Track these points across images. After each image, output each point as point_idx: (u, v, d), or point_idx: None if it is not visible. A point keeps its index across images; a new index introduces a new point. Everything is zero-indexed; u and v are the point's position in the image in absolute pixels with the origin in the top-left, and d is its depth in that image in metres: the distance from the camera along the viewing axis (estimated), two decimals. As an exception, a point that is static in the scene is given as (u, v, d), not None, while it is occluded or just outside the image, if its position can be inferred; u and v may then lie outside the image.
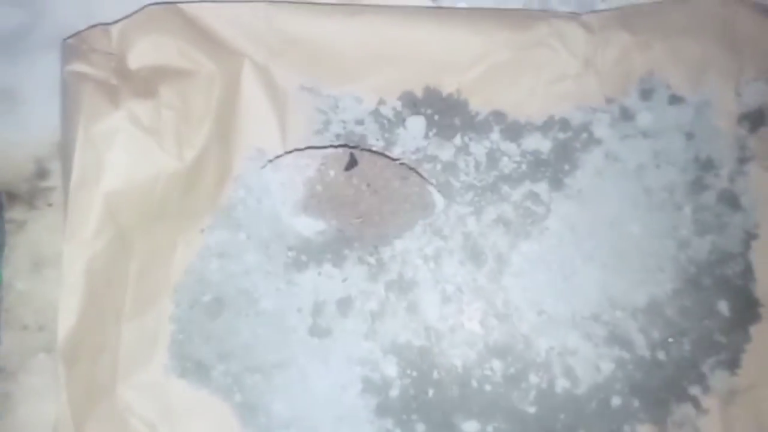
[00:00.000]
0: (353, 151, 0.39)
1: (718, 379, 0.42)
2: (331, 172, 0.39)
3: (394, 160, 0.40)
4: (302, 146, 0.41)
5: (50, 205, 0.41)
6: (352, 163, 0.38)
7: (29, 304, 0.40)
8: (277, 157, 0.40)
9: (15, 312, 0.40)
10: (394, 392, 0.40)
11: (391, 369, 0.40)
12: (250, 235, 0.41)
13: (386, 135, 0.42)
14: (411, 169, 0.40)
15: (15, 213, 0.41)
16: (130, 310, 0.38)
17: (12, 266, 0.40)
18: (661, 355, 0.42)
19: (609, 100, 0.44)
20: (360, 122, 0.42)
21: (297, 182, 0.39)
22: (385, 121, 0.43)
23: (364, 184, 0.39)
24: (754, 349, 0.42)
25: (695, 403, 0.42)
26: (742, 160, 0.43)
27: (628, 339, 0.42)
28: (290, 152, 0.40)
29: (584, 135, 0.43)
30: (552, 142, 0.43)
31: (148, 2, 0.41)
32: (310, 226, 0.40)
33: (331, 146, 0.40)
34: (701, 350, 0.42)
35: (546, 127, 0.43)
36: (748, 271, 0.42)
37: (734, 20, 0.44)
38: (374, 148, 0.41)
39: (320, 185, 0.39)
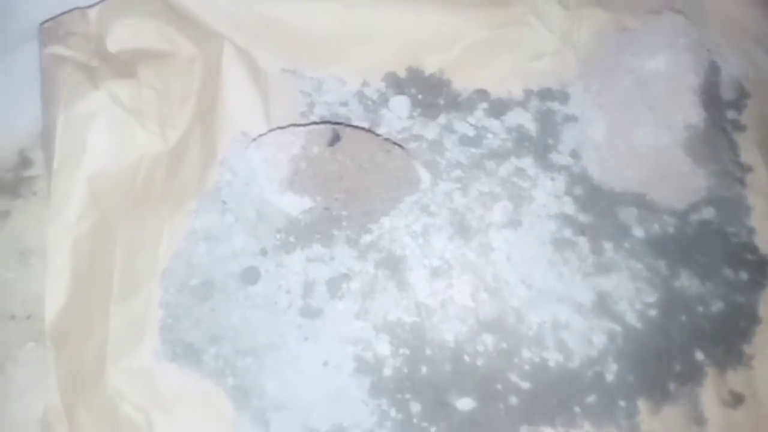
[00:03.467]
0: (336, 126, 0.39)
1: (717, 351, 0.41)
2: (315, 149, 0.39)
3: (377, 135, 0.41)
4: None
5: (35, 194, 0.41)
6: (335, 139, 0.39)
7: (16, 294, 0.39)
8: (261, 135, 0.40)
9: (2, 302, 0.39)
10: (387, 371, 0.40)
11: (383, 347, 0.40)
12: (237, 217, 0.40)
13: (371, 116, 0.43)
14: (394, 143, 0.40)
15: (-1, 203, 0.41)
16: (117, 295, 0.37)
17: (-3, 256, 0.40)
18: (651, 327, 0.42)
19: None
20: (344, 104, 0.43)
21: (281, 159, 0.39)
22: (370, 102, 0.43)
23: (348, 158, 0.39)
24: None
25: (691, 374, 0.42)
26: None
27: (618, 310, 0.42)
28: (273, 130, 0.40)
29: (564, 108, 0.44)
30: (533, 115, 0.43)
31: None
32: (296, 204, 0.40)
33: (314, 123, 0.41)
34: (694, 320, 0.42)
35: (526, 100, 0.43)
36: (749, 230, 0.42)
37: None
38: (356, 125, 0.42)
39: (304, 162, 0.39)
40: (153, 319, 0.39)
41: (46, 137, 0.37)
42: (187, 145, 0.39)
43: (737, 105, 0.46)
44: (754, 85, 0.46)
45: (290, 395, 0.39)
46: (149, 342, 0.39)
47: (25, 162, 0.41)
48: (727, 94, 0.46)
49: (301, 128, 0.40)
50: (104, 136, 0.35)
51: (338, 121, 0.42)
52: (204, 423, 0.38)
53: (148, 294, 0.39)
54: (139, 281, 0.38)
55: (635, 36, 0.44)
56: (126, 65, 0.36)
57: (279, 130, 0.40)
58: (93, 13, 0.37)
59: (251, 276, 0.40)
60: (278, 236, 0.41)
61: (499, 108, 0.44)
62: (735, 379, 0.42)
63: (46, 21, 0.38)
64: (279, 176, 0.39)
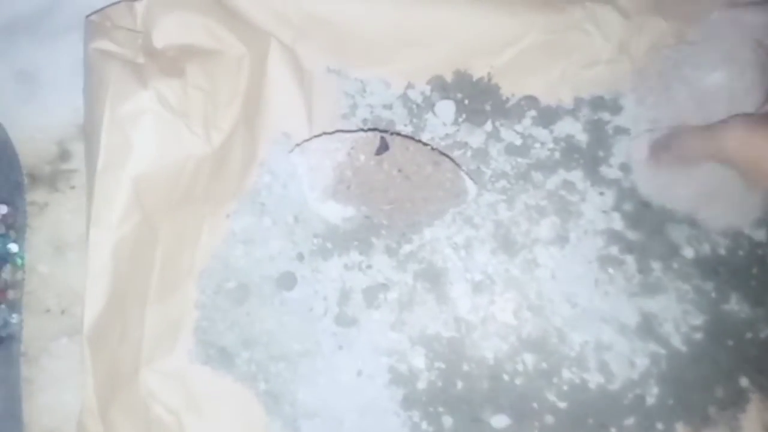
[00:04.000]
0: (384, 135, 0.38)
1: (763, 377, 0.40)
2: (362, 157, 0.37)
3: (426, 145, 0.39)
4: (329, 130, 0.40)
5: (72, 187, 0.41)
6: (383, 148, 0.37)
7: (51, 288, 0.39)
8: (305, 141, 0.39)
9: (37, 295, 0.39)
10: (421, 384, 0.39)
11: (418, 360, 0.39)
12: (275, 220, 0.40)
13: (414, 120, 0.41)
14: (443, 154, 0.39)
15: (37, 195, 0.40)
16: (154, 296, 0.37)
17: (34, 249, 0.40)
18: (697, 350, 0.40)
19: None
20: (388, 107, 0.41)
21: (326, 167, 0.38)
22: (414, 106, 0.41)
23: (396, 169, 0.37)
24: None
25: (733, 400, 0.40)
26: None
27: (663, 333, 0.40)
28: (318, 136, 0.39)
29: (616, 118, 0.42)
30: (583, 125, 0.42)
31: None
32: (338, 213, 0.39)
33: (361, 130, 0.39)
34: (741, 346, 0.40)
35: (576, 109, 0.42)
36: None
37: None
38: (404, 134, 0.40)
39: (350, 170, 0.38)
40: (188, 321, 0.38)
41: (89, 134, 0.36)
42: (230, 147, 0.38)
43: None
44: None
45: (322, 403, 0.39)
46: (183, 344, 0.38)
47: (63, 154, 0.41)
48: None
49: (348, 135, 0.38)
50: (150, 137, 0.34)
51: (381, 125, 0.41)
52: (235, 427, 0.38)
53: (184, 295, 0.38)
54: (177, 282, 0.38)
55: (696, 48, 0.42)
56: (173, 63, 0.35)
57: (325, 136, 0.39)
58: (140, 6, 0.36)
59: (288, 281, 0.39)
60: (315, 241, 0.40)
61: (548, 116, 0.42)
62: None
63: (92, 13, 0.36)
64: (323, 184, 0.38)
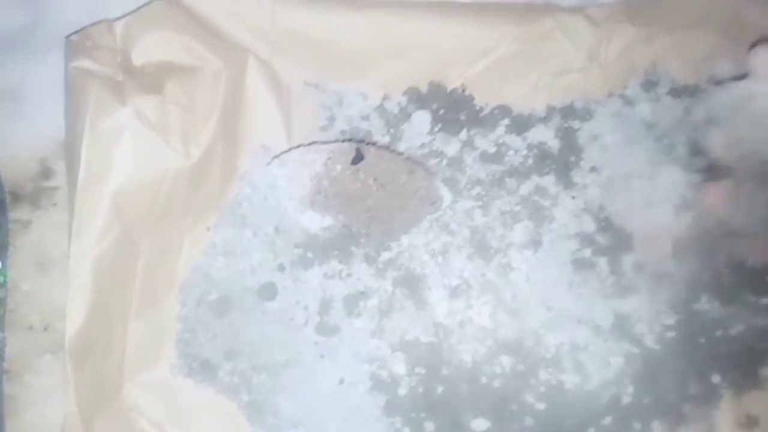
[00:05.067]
0: (359, 145, 0.39)
1: (734, 374, 0.41)
2: (338, 167, 0.38)
3: (400, 154, 0.40)
4: (307, 142, 0.41)
5: (55, 204, 0.41)
6: (358, 158, 0.38)
7: (34, 305, 0.40)
8: (283, 152, 0.40)
9: (20, 312, 0.40)
10: (402, 390, 0.40)
11: (399, 366, 0.40)
12: (256, 232, 0.40)
13: (391, 130, 0.42)
14: (418, 163, 0.40)
15: (19, 213, 0.41)
16: (136, 309, 0.37)
17: (17, 266, 0.40)
18: (670, 349, 0.41)
19: (611, 94, 0.43)
20: (365, 118, 0.42)
21: (304, 177, 0.38)
22: (391, 117, 0.42)
23: (371, 178, 0.38)
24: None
25: (707, 397, 0.41)
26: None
27: (636, 332, 0.41)
28: (296, 147, 0.40)
29: (587, 124, 0.43)
30: (555, 132, 0.43)
31: None
32: (317, 222, 0.39)
33: (337, 141, 0.40)
34: (713, 343, 0.41)
35: (548, 117, 0.43)
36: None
37: (740, 13, 0.44)
38: (380, 144, 0.41)
39: (327, 180, 0.38)
40: (170, 334, 0.39)
41: (69, 151, 0.37)
42: (209, 160, 0.38)
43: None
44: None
45: (305, 413, 0.39)
46: (166, 356, 0.39)
47: (46, 172, 0.41)
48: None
49: (325, 146, 0.39)
50: (130, 153, 0.35)
51: (359, 136, 0.41)
52: (219, 438, 0.39)
53: (166, 308, 0.39)
54: (158, 295, 0.38)
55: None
56: (152, 79, 0.36)
57: (302, 148, 0.40)
58: (119, 26, 0.37)
59: (269, 292, 0.40)
60: (296, 251, 0.40)
61: (521, 124, 0.43)
62: (751, 402, 0.42)
63: (73, 33, 0.37)
64: (300, 194, 0.39)
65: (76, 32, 0.37)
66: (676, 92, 0.44)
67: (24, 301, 0.40)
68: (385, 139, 0.42)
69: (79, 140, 0.34)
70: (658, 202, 0.42)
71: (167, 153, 0.36)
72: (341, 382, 0.40)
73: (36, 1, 0.42)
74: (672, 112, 0.43)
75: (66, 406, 0.34)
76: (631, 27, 0.43)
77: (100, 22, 0.38)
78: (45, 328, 0.39)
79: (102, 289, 0.35)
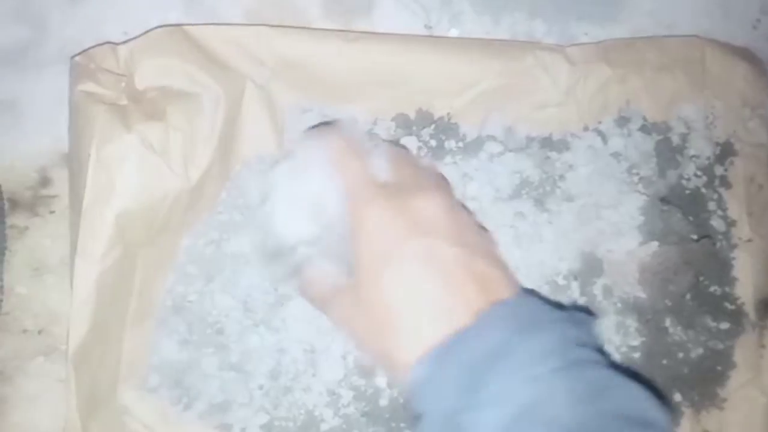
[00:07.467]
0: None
1: (693, 393, 0.44)
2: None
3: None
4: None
5: (52, 212, 0.42)
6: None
7: (29, 309, 0.41)
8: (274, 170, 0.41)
9: (15, 316, 0.41)
10: (383, 401, 0.42)
11: (380, 379, 0.42)
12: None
13: (380, 154, 0.44)
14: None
15: (17, 219, 0.42)
16: (132, 318, 0.39)
17: (13, 271, 0.41)
18: (634, 369, 0.44)
19: (586, 128, 0.47)
20: (356, 141, 0.44)
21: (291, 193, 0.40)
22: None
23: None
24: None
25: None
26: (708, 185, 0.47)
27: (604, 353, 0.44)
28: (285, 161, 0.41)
29: (562, 157, 0.46)
30: (533, 161, 0.45)
31: (150, 18, 0.43)
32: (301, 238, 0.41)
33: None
34: (674, 364, 0.44)
35: (528, 146, 0.45)
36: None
37: (703, 59, 0.48)
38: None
39: (315, 198, 0.40)
40: (162, 341, 0.40)
41: (75, 171, 0.39)
42: (206, 181, 0.40)
43: (724, 162, 0.48)
44: (742, 145, 0.48)
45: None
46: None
47: (44, 181, 0.43)
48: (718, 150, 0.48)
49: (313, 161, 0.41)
50: (133, 177, 0.36)
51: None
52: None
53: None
54: (153, 306, 0.40)
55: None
56: (154, 104, 0.38)
57: (292, 162, 0.41)
58: (123, 49, 0.39)
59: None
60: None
61: (502, 153, 0.46)
62: (708, 420, 0.45)
63: (77, 54, 0.39)
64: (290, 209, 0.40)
65: (80, 53, 0.39)
66: (647, 129, 0.47)
67: (19, 304, 0.41)
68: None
69: (85, 163, 0.36)
70: (627, 230, 0.45)
71: (169, 176, 0.38)
72: (322, 393, 0.41)
73: (38, 17, 0.44)
74: (642, 146, 0.47)
75: (66, 410, 0.35)
76: (606, 67, 0.46)
77: (103, 44, 0.39)
78: (39, 332, 0.40)
79: (103, 303, 0.36)
